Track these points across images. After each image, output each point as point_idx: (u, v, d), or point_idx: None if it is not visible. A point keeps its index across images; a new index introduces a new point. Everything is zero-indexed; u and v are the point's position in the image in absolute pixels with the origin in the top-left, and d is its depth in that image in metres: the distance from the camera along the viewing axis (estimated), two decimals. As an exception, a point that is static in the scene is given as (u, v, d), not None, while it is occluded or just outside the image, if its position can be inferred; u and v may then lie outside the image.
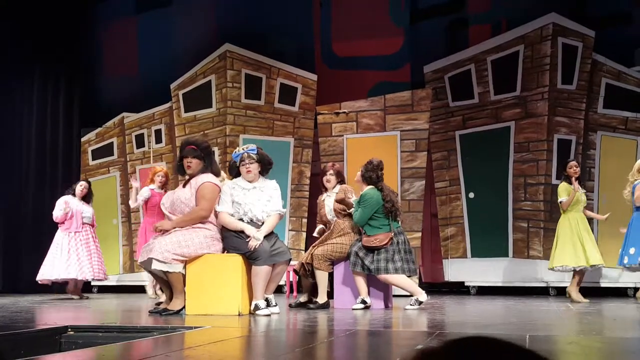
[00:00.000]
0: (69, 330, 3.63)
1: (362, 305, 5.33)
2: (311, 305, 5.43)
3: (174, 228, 4.76)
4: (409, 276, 5.43)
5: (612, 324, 4.31)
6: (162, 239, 4.71)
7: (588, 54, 7.75)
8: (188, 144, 4.96)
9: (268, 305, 4.71)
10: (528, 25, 7.86)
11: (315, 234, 5.94)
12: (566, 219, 6.51)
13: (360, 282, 5.39)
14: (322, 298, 5.47)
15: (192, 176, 4.89)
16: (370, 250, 5.33)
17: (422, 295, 5.33)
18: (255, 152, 4.90)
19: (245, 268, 4.76)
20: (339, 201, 5.62)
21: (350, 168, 8.00)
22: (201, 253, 4.72)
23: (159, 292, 7.21)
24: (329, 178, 5.78)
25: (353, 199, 5.57)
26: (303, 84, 8.78)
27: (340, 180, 5.84)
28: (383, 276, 5.31)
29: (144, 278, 7.60)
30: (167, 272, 4.64)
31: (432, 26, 8.72)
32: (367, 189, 5.45)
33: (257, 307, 4.65)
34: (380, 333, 3.69)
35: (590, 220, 6.82)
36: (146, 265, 4.70)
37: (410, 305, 5.28)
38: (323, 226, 5.88)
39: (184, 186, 4.93)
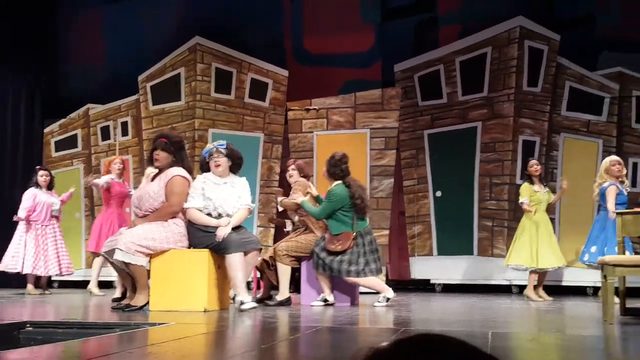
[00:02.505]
0: (28, 325, 3.57)
1: (321, 303, 5.34)
2: (270, 302, 5.40)
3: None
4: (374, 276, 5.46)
5: (571, 322, 4.41)
6: (129, 231, 4.67)
7: (553, 58, 7.88)
8: (160, 136, 4.94)
9: (233, 299, 4.69)
10: (496, 28, 7.96)
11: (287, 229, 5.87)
12: (528, 218, 6.62)
13: (323, 281, 5.40)
14: (283, 294, 5.43)
15: (161, 170, 4.84)
16: (334, 252, 5.33)
17: (390, 292, 5.36)
18: (225, 147, 4.88)
19: (212, 263, 4.72)
20: (284, 205, 5.64)
21: (320, 165, 7.98)
22: (167, 248, 4.67)
23: (94, 290, 7.06)
24: (292, 173, 5.78)
25: (301, 198, 5.50)
26: (274, 79, 8.75)
27: (303, 175, 5.82)
28: (346, 278, 5.33)
29: (110, 273, 7.47)
30: (129, 264, 4.57)
31: (403, 25, 8.77)
32: (335, 184, 5.46)
33: (242, 303, 4.60)
34: (345, 330, 3.71)
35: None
36: (109, 255, 4.64)
37: (378, 302, 5.31)
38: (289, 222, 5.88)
39: (152, 180, 4.87)
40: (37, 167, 7.73)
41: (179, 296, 4.61)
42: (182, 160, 4.85)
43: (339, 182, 5.45)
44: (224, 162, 4.83)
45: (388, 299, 5.32)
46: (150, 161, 4.89)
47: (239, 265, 4.61)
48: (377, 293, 5.46)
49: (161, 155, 4.77)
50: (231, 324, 3.90)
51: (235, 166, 4.93)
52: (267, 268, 5.55)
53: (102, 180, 6.84)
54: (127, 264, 4.58)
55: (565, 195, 7.05)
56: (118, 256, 4.54)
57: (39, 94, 9.31)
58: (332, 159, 5.50)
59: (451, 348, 0.92)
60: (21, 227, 7.32)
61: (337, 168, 5.45)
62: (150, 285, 4.68)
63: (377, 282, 5.46)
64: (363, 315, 4.73)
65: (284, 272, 5.45)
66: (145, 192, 4.76)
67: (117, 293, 5.93)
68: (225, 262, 4.66)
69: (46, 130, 9.38)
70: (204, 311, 4.56)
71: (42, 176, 7.42)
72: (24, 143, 9.07)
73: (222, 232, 4.61)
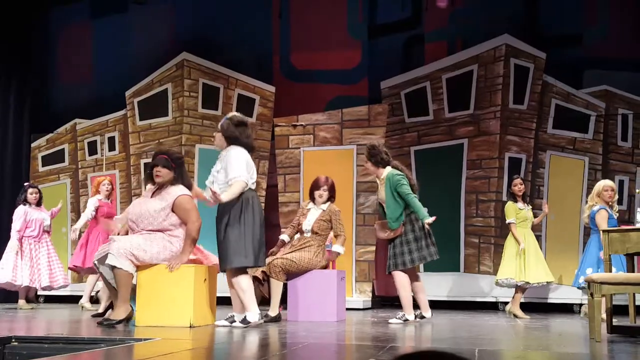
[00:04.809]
0: (13, 340, 3.53)
1: (399, 321, 5.27)
2: (264, 319, 5.34)
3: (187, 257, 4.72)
4: (428, 261, 5.42)
5: (557, 339, 4.42)
6: (123, 239, 4.63)
7: (539, 75, 7.98)
8: (160, 153, 4.90)
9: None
10: (482, 46, 8.05)
11: (274, 249, 5.73)
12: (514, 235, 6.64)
13: (406, 291, 5.27)
14: (274, 310, 5.38)
15: (161, 186, 4.78)
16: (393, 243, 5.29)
17: (412, 315, 5.32)
18: (222, 121, 4.84)
19: (199, 278, 4.70)
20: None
21: (306, 181, 8.00)
22: (155, 262, 4.63)
23: (87, 304, 7.04)
24: (322, 193, 5.63)
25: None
26: (261, 95, 8.78)
27: (331, 195, 5.68)
28: (395, 274, 5.29)
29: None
30: (120, 269, 4.47)
31: (389, 42, 8.84)
32: (389, 171, 5.32)
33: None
34: (332, 346, 3.70)
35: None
36: (102, 261, 4.56)
37: (396, 319, 5.31)
38: (284, 240, 5.77)
39: (152, 196, 4.79)
40: (26, 184, 7.75)
41: (165, 311, 4.58)
42: (182, 177, 4.82)
43: (388, 167, 5.35)
44: (217, 138, 4.85)
45: (406, 320, 5.29)
46: (150, 178, 4.83)
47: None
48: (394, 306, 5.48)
49: (163, 172, 4.73)
50: (217, 340, 3.87)
51: (229, 140, 4.78)
52: (259, 284, 5.48)
53: (87, 213, 6.86)
54: (114, 271, 4.51)
55: (551, 212, 7.12)
56: (110, 260, 4.47)
57: (27, 108, 9.26)
58: (373, 148, 5.35)
59: None
60: (14, 241, 7.31)
61: (383, 154, 5.34)
62: (136, 300, 4.63)
63: (410, 300, 5.37)
64: (349, 331, 4.72)
65: (277, 287, 5.38)
66: (146, 210, 4.68)
67: (100, 308, 5.86)
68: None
69: (33, 144, 9.34)
70: (190, 327, 4.53)
71: (31, 194, 7.46)
72: (12, 158, 9.01)
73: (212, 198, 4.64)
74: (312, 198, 5.71)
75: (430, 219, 5.19)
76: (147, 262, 4.61)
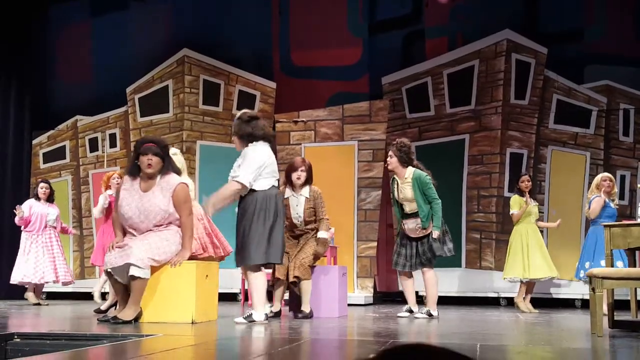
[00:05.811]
0: (15, 337, 3.53)
1: (406, 314, 5.40)
2: (299, 315, 5.26)
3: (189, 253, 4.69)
4: (447, 256, 5.49)
5: (560, 335, 4.42)
6: (139, 244, 4.48)
7: (540, 71, 7.97)
8: (147, 141, 4.72)
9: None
10: (483, 41, 8.04)
11: None
12: (518, 230, 6.72)
13: (408, 286, 5.42)
14: (308, 307, 5.29)
15: (150, 177, 4.65)
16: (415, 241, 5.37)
17: (436, 311, 5.40)
18: (233, 124, 4.81)
19: (201, 274, 4.70)
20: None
21: (307, 177, 8.00)
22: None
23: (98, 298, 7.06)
24: (300, 175, 5.39)
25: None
26: (262, 91, 8.77)
27: (308, 177, 5.44)
28: (427, 271, 5.35)
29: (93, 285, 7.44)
30: (142, 278, 4.43)
31: (390, 38, 8.83)
32: (415, 171, 5.37)
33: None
34: (334, 342, 3.70)
35: (541, 231, 7.01)
36: (120, 271, 4.43)
37: (421, 313, 5.38)
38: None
39: (143, 190, 4.62)
40: (39, 179, 7.95)
41: (167, 308, 4.58)
42: (171, 164, 4.73)
43: (412, 168, 5.41)
44: (235, 140, 4.79)
45: (431, 315, 5.36)
46: (135, 169, 4.66)
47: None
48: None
49: (154, 161, 4.58)
50: (218, 336, 3.88)
51: (244, 138, 4.70)
52: (293, 286, 5.35)
53: (100, 206, 6.76)
54: (133, 279, 4.44)
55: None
56: (135, 272, 4.37)
57: (27, 106, 9.27)
58: (403, 146, 5.40)
59: (439, 358, 0.91)
60: (23, 239, 7.42)
61: (410, 154, 5.44)
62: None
63: (435, 295, 5.47)
64: (351, 327, 4.72)
65: (308, 286, 5.30)
66: (155, 206, 4.57)
67: (105, 305, 5.85)
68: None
69: (34, 141, 9.35)
70: (192, 323, 4.53)
71: (42, 188, 7.56)
72: (13, 155, 9.02)
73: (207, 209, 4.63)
74: (290, 181, 5.46)
75: (436, 233, 5.35)
76: (167, 261, 4.58)
